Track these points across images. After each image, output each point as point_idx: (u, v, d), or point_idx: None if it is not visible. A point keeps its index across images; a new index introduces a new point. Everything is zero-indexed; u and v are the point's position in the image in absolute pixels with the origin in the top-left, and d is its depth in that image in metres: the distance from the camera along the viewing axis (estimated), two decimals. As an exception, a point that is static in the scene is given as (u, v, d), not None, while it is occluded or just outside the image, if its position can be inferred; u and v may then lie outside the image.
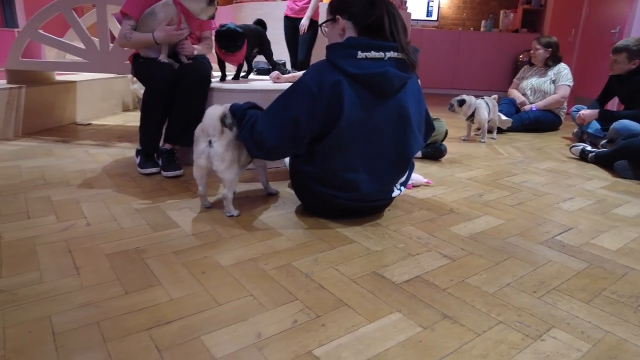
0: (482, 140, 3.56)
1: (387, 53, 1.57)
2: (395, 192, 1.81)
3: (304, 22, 4.04)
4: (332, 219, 1.80)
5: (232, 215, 1.80)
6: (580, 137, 3.74)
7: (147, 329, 1.07)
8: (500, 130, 3.97)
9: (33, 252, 1.44)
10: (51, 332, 1.05)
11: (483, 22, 8.15)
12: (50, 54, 3.84)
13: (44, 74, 3.63)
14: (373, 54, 1.55)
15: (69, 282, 1.27)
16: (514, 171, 2.70)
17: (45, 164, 2.47)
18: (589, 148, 3.10)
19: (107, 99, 4.40)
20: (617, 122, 3.11)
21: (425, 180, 2.32)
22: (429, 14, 8.29)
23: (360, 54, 1.55)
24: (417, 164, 2.74)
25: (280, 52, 4.23)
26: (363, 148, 1.62)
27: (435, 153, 2.84)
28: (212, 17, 2.45)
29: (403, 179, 1.82)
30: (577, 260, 1.54)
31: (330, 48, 1.62)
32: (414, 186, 2.28)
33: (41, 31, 3.14)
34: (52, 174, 2.30)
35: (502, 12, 8.13)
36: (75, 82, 3.85)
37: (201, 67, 2.40)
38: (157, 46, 2.37)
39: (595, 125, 3.57)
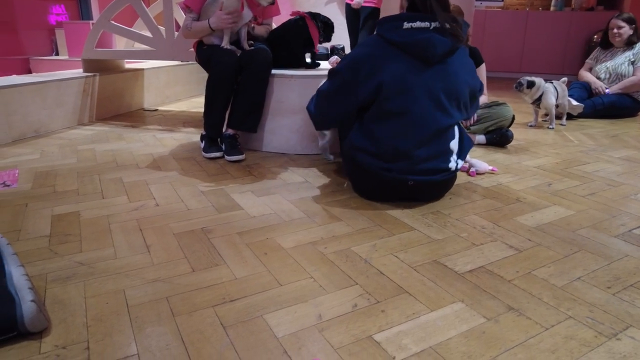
0: (551, 127, 3.37)
1: (432, 23, 1.65)
2: (452, 164, 1.75)
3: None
4: (391, 203, 1.78)
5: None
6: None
7: (213, 306, 1.11)
8: (570, 117, 3.74)
9: (108, 230, 1.54)
10: (125, 304, 1.12)
11: (553, 0, 7.65)
12: (120, 44, 4.04)
13: (115, 63, 3.83)
14: (418, 23, 1.65)
15: (140, 259, 1.35)
16: (585, 159, 2.54)
17: (117, 148, 2.62)
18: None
19: (173, 85, 4.59)
20: None
21: (490, 167, 2.24)
22: (493, -7, 7.90)
23: (406, 25, 1.65)
24: (482, 151, 2.64)
25: (339, 37, 4.20)
26: (410, 116, 1.67)
27: (501, 139, 2.72)
28: (272, 3, 2.48)
29: (456, 148, 1.77)
30: (658, 255, 1.43)
31: (380, 23, 1.72)
32: (478, 174, 2.20)
33: (113, 22, 3.31)
34: (123, 157, 2.43)
35: (575, -11, 7.58)
36: (143, 69, 4.04)
37: (263, 54, 2.43)
38: (220, 33, 2.43)
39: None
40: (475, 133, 2.76)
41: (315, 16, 2.55)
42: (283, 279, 1.25)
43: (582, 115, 3.80)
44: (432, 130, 1.68)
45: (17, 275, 1.11)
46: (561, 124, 3.50)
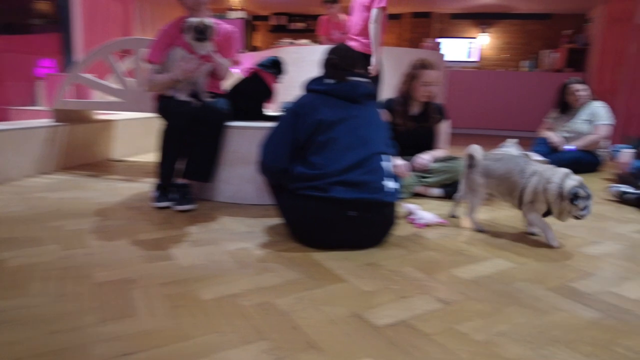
0: None
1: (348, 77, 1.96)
2: (387, 183, 1.85)
3: (374, 62, 3.54)
4: (330, 253, 1.74)
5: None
6: (626, 178, 3.49)
7: (113, 358, 1.05)
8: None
9: (29, 278, 1.48)
10: (15, 358, 1.05)
11: (522, 62, 8.02)
12: (97, 94, 4.10)
13: (85, 113, 3.86)
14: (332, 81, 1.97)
15: (49, 309, 1.28)
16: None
17: (71, 196, 2.58)
18: (629, 189, 2.88)
19: (145, 136, 4.61)
20: (659, 162, 2.89)
21: (439, 219, 2.23)
22: (468, 55, 8.26)
23: (326, 80, 1.98)
24: (437, 203, 2.64)
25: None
26: (346, 140, 1.85)
27: (455, 191, 2.72)
28: (211, 52, 2.47)
29: (389, 170, 1.90)
30: (589, 309, 1.39)
31: (308, 82, 2.02)
32: (427, 226, 2.19)
33: (83, 74, 3.37)
34: (73, 205, 2.39)
35: (544, 52, 7.97)
36: (114, 120, 4.07)
37: (220, 105, 2.47)
38: (180, 86, 2.47)
39: (638, 164, 3.33)
40: (431, 186, 2.77)
41: (265, 65, 2.63)
42: (190, 332, 1.19)
43: (547, 170, 3.85)
44: (364, 155, 1.83)
45: None
46: None
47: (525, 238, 2.07)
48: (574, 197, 1.82)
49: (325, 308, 1.34)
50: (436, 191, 2.76)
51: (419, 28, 8.47)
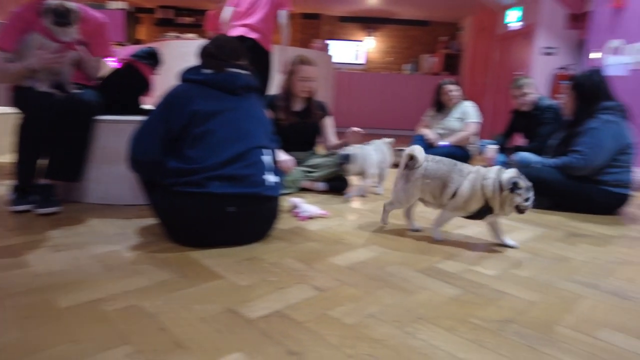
0: (379, 192, 2.93)
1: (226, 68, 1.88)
2: (269, 191, 1.81)
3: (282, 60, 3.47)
4: (208, 251, 1.68)
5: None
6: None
7: None
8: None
9: None
10: None
11: (404, 65, 8.59)
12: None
13: None
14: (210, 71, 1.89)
15: None
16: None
17: None
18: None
19: (7, 135, 4.09)
20: (516, 154, 3.24)
21: (321, 212, 2.27)
22: (356, 57, 8.61)
23: (204, 70, 1.88)
24: (322, 197, 2.69)
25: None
26: (224, 133, 1.78)
27: (341, 185, 2.81)
28: (75, 40, 2.28)
29: (270, 164, 1.87)
30: (451, 287, 1.50)
31: (184, 72, 1.91)
32: (310, 218, 2.21)
33: None
34: None
35: (423, 56, 8.60)
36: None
37: (88, 97, 2.26)
38: (40, 75, 2.21)
39: (501, 158, 3.72)
40: (317, 180, 2.82)
41: (140, 55, 2.47)
42: (39, 345, 1.06)
43: (425, 165, 4.14)
44: (243, 148, 1.78)
45: None
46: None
47: (402, 226, 2.18)
48: (514, 186, 1.79)
49: (197, 307, 1.27)
50: (321, 185, 2.82)
51: (308, 29, 8.64)
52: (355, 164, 2.68)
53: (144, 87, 2.57)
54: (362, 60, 8.64)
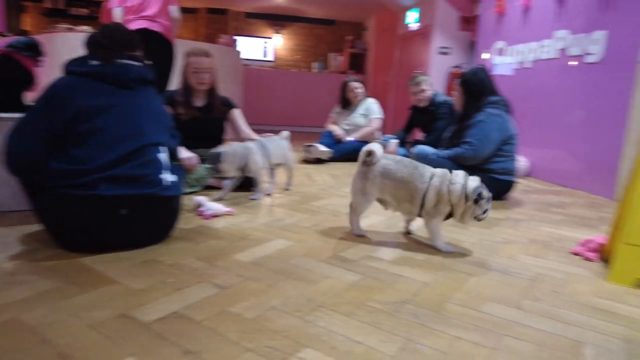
0: (254, 198, 2.61)
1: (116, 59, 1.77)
2: (166, 191, 1.71)
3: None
4: (103, 255, 1.57)
5: None
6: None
7: None
8: (322, 161, 4.13)
9: None
10: None
11: (313, 63, 8.72)
12: None
13: None
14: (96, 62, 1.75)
15: None
16: (321, 196, 2.76)
17: None
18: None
19: None
20: (414, 148, 3.43)
21: (226, 209, 2.22)
22: (264, 54, 8.57)
23: (90, 62, 1.75)
24: (229, 195, 2.63)
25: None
26: (115, 130, 1.68)
27: (249, 181, 2.77)
28: None
29: (166, 162, 1.78)
30: (352, 273, 1.55)
31: (67, 63, 1.76)
32: (215, 216, 2.16)
33: None
34: None
35: (331, 55, 8.79)
36: None
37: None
38: None
39: (402, 151, 3.92)
40: (224, 178, 2.75)
41: (18, 46, 2.25)
42: None
43: (333, 160, 4.23)
44: (136, 146, 1.68)
45: None
46: (288, 188, 2.94)
47: (308, 220, 2.21)
48: (478, 197, 1.76)
49: (85, 314, 1.19)
50: (228, 182, 2.76)
51: (214, 24, 8.45)
52: (229, 163, 2.44)
53: (27, 81, 2.34)
54: (270, 57, 8.61)
